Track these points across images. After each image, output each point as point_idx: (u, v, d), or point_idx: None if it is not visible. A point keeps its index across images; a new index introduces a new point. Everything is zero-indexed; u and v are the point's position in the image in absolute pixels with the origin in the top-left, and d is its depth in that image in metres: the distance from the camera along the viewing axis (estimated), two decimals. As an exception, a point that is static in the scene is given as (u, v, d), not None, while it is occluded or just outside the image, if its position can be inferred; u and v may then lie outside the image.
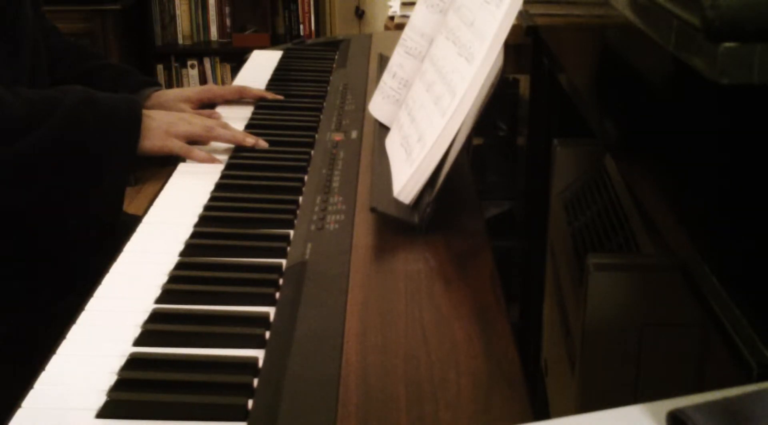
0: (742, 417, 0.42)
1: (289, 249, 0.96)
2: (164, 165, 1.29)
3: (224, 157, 1.24)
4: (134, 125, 1.18)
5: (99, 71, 1.47)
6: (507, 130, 2.13)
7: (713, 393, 0.46)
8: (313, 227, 1.00)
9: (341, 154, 1.21)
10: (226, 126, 1.29)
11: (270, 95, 1.51)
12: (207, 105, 1.48)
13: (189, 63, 3.79)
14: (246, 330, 0.81)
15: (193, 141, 1.26)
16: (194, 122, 1.26)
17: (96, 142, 1.14)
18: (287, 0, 3.76)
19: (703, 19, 0.49)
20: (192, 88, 1.57)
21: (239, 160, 1.24)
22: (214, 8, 3.78)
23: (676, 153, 0.66)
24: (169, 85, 3.73)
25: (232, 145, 1.28)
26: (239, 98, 1.52)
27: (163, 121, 1.23)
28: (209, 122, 1.28)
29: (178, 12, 3.79)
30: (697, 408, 0.43)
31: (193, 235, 1.01)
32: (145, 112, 1.22)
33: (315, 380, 0.71)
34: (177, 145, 1.22)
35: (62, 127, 1.11)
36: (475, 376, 0.72)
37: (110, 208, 1.19)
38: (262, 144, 1.27)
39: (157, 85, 1.49)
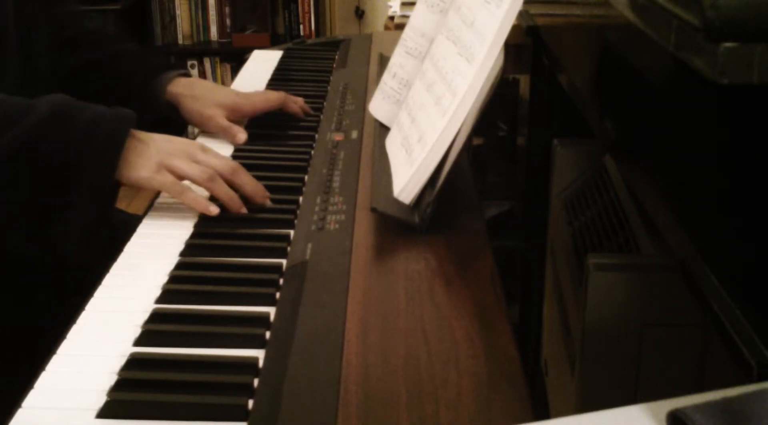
0: (742, 417, 0.42)
1: (289, 249, 0.96)
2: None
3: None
4: (115, 146, 0.98)
5: (115, 58, 1.36)
6: (507, 130, 2.13)
7: (713, 393, 0.46)
8: (313, 227, 1.00)
9: (341, 154, 1.21)
10: (236, 173, 1.07)
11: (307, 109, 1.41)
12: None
13: (189, 63, 3.79)
14: (246, 330, 0.81)
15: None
16: (199, 161, 1.04)
17: (64, 163, 0.96)
18: (287, 0, 3.76)
19: (703, 19, 0.49)
20: (233, 93, 1.35)
21: (240, 160, 1.23)
22: (214, 8, 3.78)
23: (676, 153, 0.66)
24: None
25: (231, 146, 1.28)
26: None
27: (161, 149, 1.02)
28: (216, 166, 1.05)
29: (178, 12, 3.79)
30: (697, 408, 0.43)
31: (194, 235, 1.01)
32: (139, 134, 1.02)
33: (315, 380, 0.71)
34: (168, 181, 1.02)
35: (24, 140, 0.94)
36: (476, 376, 0.72)
37: (76, 246, 0.98)
38: (243, 211, 1.05)
39: (183, 69, 1.37)
